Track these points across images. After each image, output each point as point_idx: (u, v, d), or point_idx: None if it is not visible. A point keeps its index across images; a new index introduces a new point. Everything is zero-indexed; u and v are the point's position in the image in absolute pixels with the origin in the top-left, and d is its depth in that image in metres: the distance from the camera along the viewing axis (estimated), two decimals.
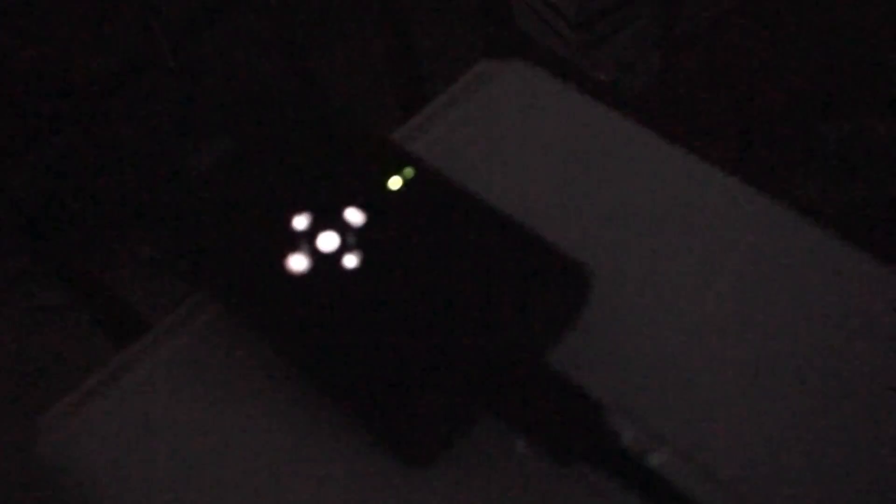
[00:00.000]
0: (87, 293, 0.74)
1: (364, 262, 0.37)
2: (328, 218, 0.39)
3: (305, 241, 0.38)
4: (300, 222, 0.39)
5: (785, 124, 1.15)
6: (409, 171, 0.40)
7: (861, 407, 0.36)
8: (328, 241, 0.38)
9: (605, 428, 0.35)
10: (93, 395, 0.39)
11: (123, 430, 0.38)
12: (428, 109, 0.46)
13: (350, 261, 0.37)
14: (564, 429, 0.35)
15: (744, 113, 1.20)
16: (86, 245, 1.12)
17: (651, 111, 1.38)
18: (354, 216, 0.39)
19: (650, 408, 0.37)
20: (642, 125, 0.45)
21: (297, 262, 0.38)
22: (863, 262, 0.40)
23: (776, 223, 0.41)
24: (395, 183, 0.39)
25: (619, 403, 0.37)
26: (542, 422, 0.35)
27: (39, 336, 1.29)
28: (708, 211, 0.42)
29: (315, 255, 0.38)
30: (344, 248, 0.38)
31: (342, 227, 0.38)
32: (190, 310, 0.41)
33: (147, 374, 0.39)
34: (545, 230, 0.42)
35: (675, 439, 0.36)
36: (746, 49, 1.28)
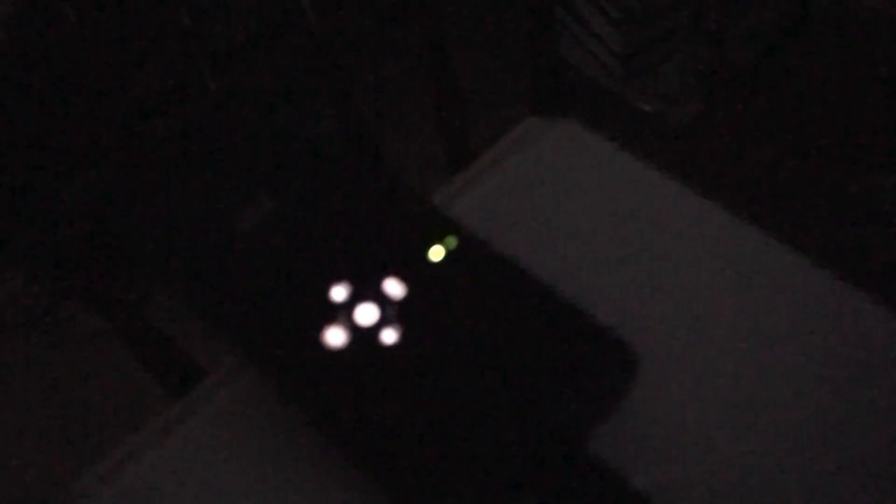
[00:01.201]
0: (124, 322, 0.74)
1: (403, 338, 0.36)
2: (367, 289, 0.37)
3: (343, 313, 0.37)
4: (339, 293, 0.38)
5: (834, 172, 1.12)
6: (451, 241, 0.38)
7: None
8: (366, 314, 0.37)
9: None
10: (128, 462, 0.38)
11: (156, 499, 0.37)
12: (473, 168, 0.45)
13: (389, 336, 0.36)
14: None
15: (787, 156, 1.18)
16: (126, 274, 1.12)
17: (694, 144, 1.36)
18: (394, 288, 0.37)
19: (696, 498, 0.35)
20: (693, 190, 0.43)
21: (335, 336, 0.36)
22: None
23: (827, 298, 0.39)
24: (436, 254, 0.38)
25: (663, 492, 0.36)
26: None
27: (81, 358, 1.29)
28: (759, 286, 0.40)
29: (353, 328, 0.37)
30: (383, 322, 0.37)
31: (381, 300, 0.37)
32: (223, 376, 0.40)
33: (179, 443, 0.38)
34: (591, 301, 0.40)
35: None
36: (792, 88, 1.26)
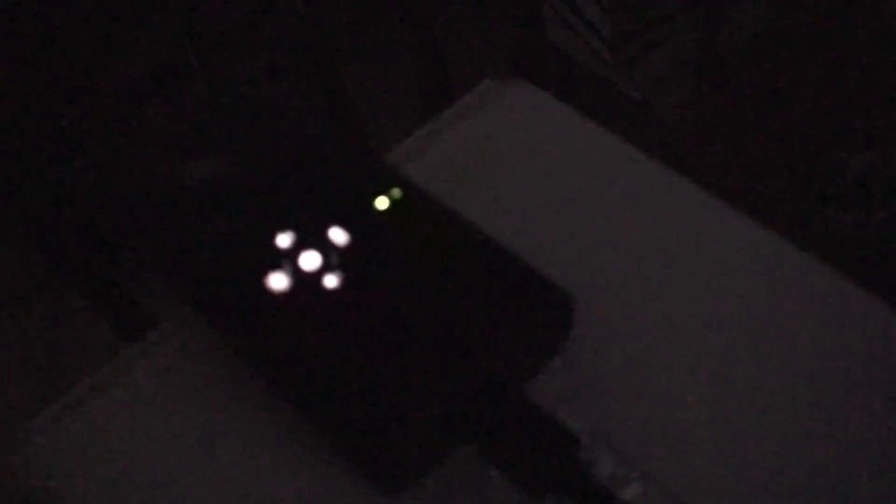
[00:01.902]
0: (100, 295, 0.75)
1: (345, 283, 0.37)
2: (312, 237, 0.38)
3: (287, 259, 0.38)
4: (283, 240, 0.38)
5: (805, 151, 1.13)
6: (396, 192, 0.39)
7: (839, 442, 0.35)
8: (310, 260, 0.38)
9: (580, 461, 0.34)
10: (78, 405, 0.39)
11: (104, 441, 0.38)
12: (427, 128, 0.46)
13: (331, 281, 0.37)
14: (539, 461, 0.34)
15: (763, 138, 1.19)
16: (104, 252, 1.13)
17: (684, 132, 1.36)
18: (338, 236, 0.38)
19: (630, 440, 0.36)
20: (642, 151, 0.44)
21: (277, 281, 0.37)
22: (835, 282, 0.38)
23: (771, 257, 0.40)
24: (381, 203, 0.39)
25: (597, 435, 0.36)
26: (517, 454, 0.34)
27: (66, 335, 1.30)
28: (702, 243, 0.41)
29: (296, 273, 0.37)
30: (326, 268, 0.37)
31: (325, 247, 0.38)
32: (175, 325, 0.41)
33: (130, 387, 0.39)
34: (534, 255, 0.41)
35: (655, 472, 0.35)
36: (773, 73, 1.26)
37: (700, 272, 0.40)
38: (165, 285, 0.39)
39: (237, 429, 0.38)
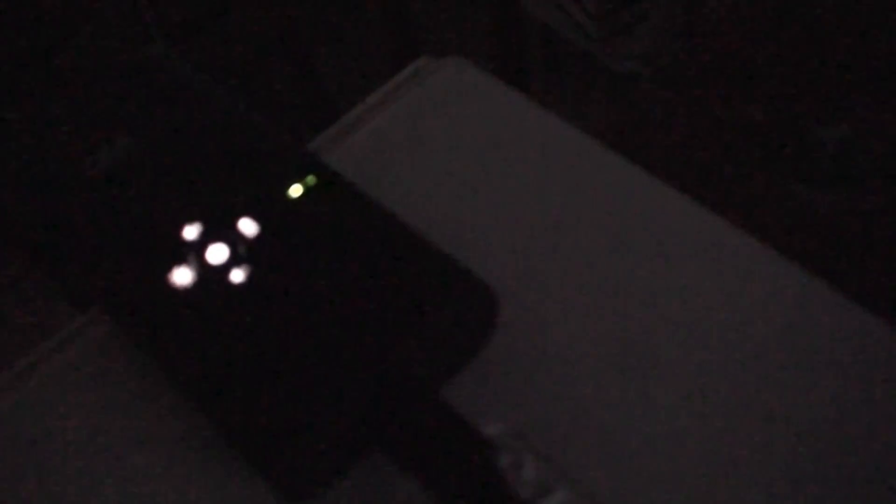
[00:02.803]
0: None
1: (252, 277, 0.35)
2: (220, 228, 0.36)
3: (193, 252, 0.35)
4: (190, 232, 0.36)
5: (781, 126, 1.10)
6: (310, 179, 0.37)
7: (779, 438, 0.33)
8: (217, 253, 0.35)
9: (499, 468, 0.31)
10: None
11: (11, 442, 0.36)
12: (356, 110, 0.43)
13: (237, 275, 0.35)
14: (452, 468, 0.31)
15: (738, 110, 1.16)
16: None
17: (667, 104, 1.33)
18: (248, 227, 0.36)
19: (557, 444, 0.34)
20: (584, 132, 0.41)
21: (182, 276, 0.35)
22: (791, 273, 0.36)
23: (710, 241, 0.38)
24: (295, 191, 0.37)
25: (520, 439, 0.34)
26: (430, 460, 0.32)
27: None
28: (642, 232, 0.38)
29: (201, 267, 0.35)
30: (233, 262, 0.35)
31: (234, 239, 0.36)
32: (88, 320, 0.39)
33: (37, 385, 0.37)
34: (459, 247, 0.38)
35: (582, 478, 0.33)
36: (751, 44, 1.23)
37: (638, 263, 0.37)
38: (67, 285, 0.37)
39: (141, 429, 0.36)
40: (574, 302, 0.37)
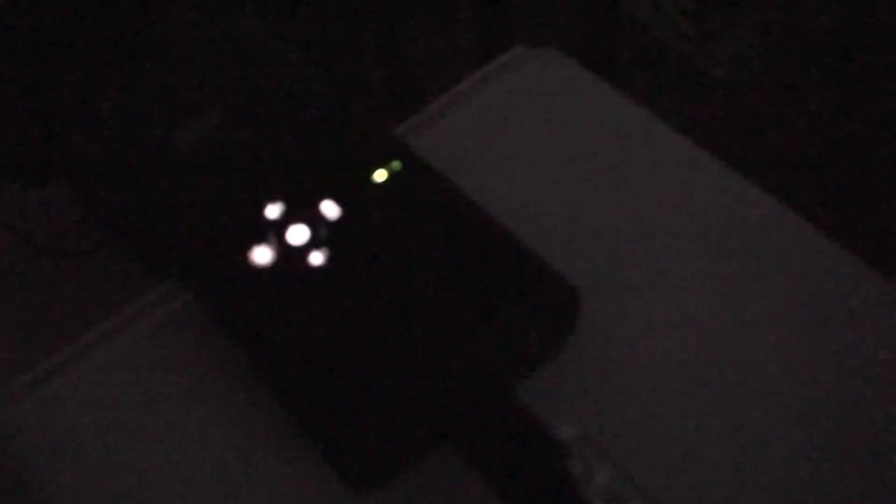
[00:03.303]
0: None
1: (331, 260, 0.34)
2: (302, 209, 0.35)
3: (274, 232, 0.35)
4: (272, 211, 0.36)
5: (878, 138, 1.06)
6: (396, 164, 0.36)
7: (848, 459, 0.31)
8: (298, 234, 0.35)
9: (571, 474, 0.31)
10: (55, 373, 0.37)
11: (77, 413, 0.36)
12: (446, 97, 0.43)
13: (316, 258, 0.34)
14: (523, 470, 0.31)
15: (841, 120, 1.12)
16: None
17: (761, 104, 1.30)
18: (330, 209, 0.35)
19: (632, 452, 0.33)
20: (677, 131, 0.40)
21: (261, 255, 0.35)
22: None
23: (801, 248, 0.36)
24: (379, 176, 0.36)
25: (594, 444, 0.33)
26: (500, 462, 0.31)
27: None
28: (731, 239, 0.37)
29: (281, 248, 0.35)
30: (313, 244, 0.35)
31: (315, 221, 0.35)
32: (162, 295, 0.39)
33: (107, 358, 0.37)
34: (543, 240, 0.37)
35: (657, 490, 0.32)
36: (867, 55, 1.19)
37: (728, 268, 0.36)
38: (146, 256, 0.37)
39: (212, 408, 0.36)
40: (658, 305, 0.35)
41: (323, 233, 0.35)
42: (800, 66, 1.25)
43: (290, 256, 0.34)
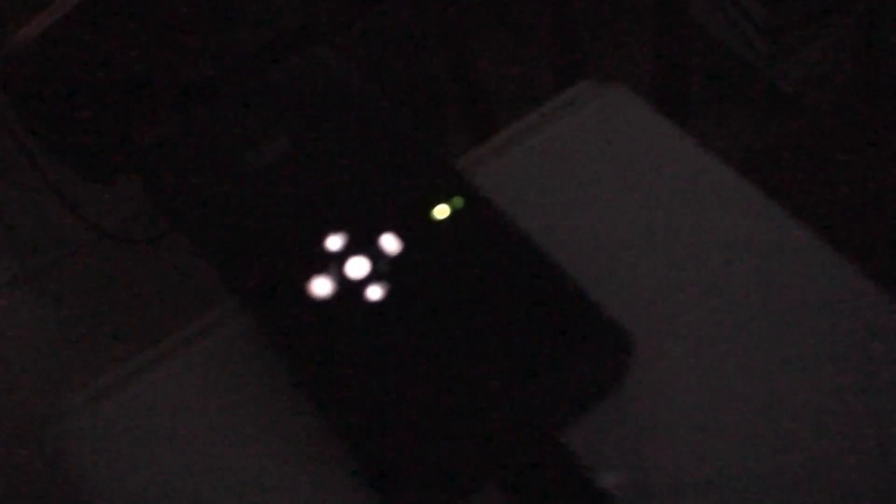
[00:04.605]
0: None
1: (389, 296, 0.35)
2: (362, 241, 0.36)
3: (334, 263, 0.36)
4: (334, 243, 0.36)
5: None
6: (458, 201, 0.37)
7: None
8: (357, 267, 0.36)
9: None
10: (115, 388, 0.39)
11: (132, 432, 0.37)
12: (510, 130, 0.43)
13: (374, 292, 0.35)
14: None
15: None
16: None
17: (833, 130, 1.28)
18: (390, 243, 0.36)
19: (671, 499, 0.33)
20: (739, 176, 0.40)
21: (320, 286, 0.35)
22: None
23: (854, 297, 0.36)
24: (441, 212, 0.36)
25: (636, 495, 0.33)
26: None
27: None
28: (792, 291, 0.37)
29: (341, 280, 0.35)
30: (372, 278, 0.35)
31: (375, 254, 0.36)
32: (221, 315, 0.40)
33: (164, 377, 0.38)
34: (598, 281, 0.38)
35: None
36: None
37: (782, 319, 0.36)
38: (214, 270, 0.38)
39: (265, 436, 0.36)
40: (711, 352, 0.35)
41: (382, 267, 0.35)
42: (878, 92, 1.22)
43: (349, 289, 0.35)
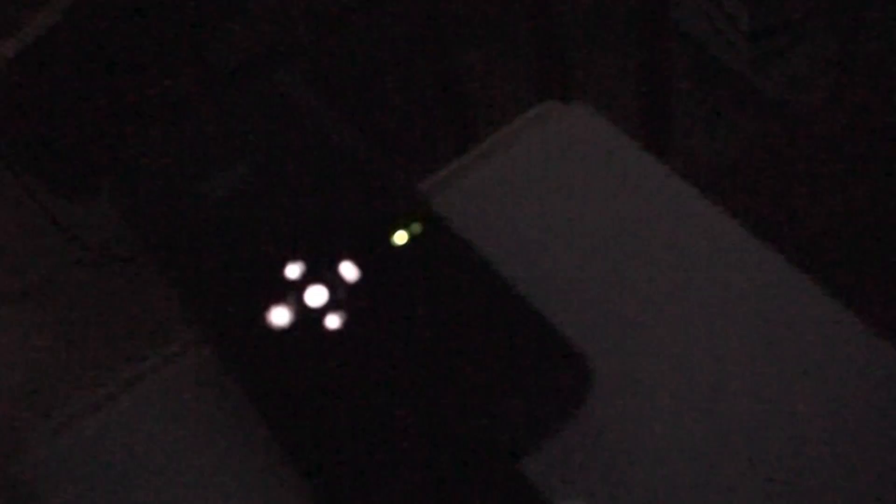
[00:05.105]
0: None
1: (348, 324, 0.35)
2: (321, 269, 0.36)
3: (293, 292, 0.36)
4: (293, 271, 0.36)
5: None
6: (416, 227, 0.36)
7: None
8: (316, 295, 0.35)
9: None
10: (76, 420, 0.38)
11: (92, 464, 0.37)
12: (472, 152, 0.43)
13: (333, 321, 0.35)
14: None
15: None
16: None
17: (818, 134, 1.28)
18: (349, 271, 0.36)
19: None
20: (703, 196, 0.40)
21: (279, 316, 0.35)
22: None
23: (827, 326, 0.36)
24: (400, 238, 0.36)
25: None
26: None
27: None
28: (760, 314, 0.36)
29: (299, 309, 0.35)
30: (330, 306, 0.35)
31: (334, 282, 0.36)
32: (183, 345, 0.39)
33: (126, 408, 0.38)
34: (558, 306, 0.37)
35: None
36: None
37: (747, 341, 0.36)
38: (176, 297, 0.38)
39: (228, 464, 0.36)
40: (673, 379, 0.35)
41: (341, 294, 0.35)
42: (858, 100, 1.22)
43: (307, 318, 0.35)
